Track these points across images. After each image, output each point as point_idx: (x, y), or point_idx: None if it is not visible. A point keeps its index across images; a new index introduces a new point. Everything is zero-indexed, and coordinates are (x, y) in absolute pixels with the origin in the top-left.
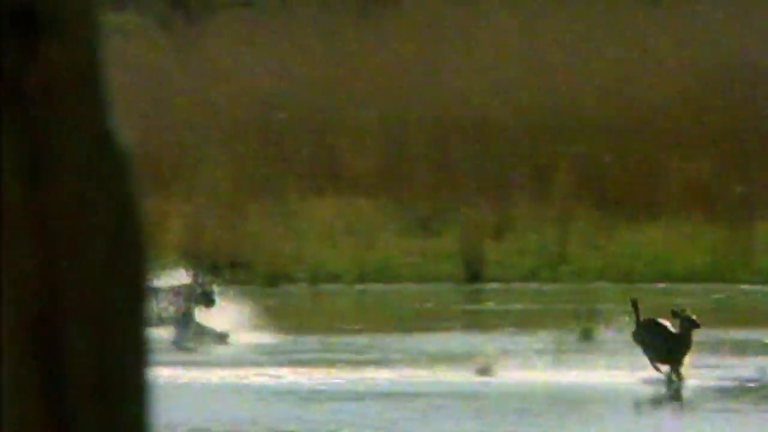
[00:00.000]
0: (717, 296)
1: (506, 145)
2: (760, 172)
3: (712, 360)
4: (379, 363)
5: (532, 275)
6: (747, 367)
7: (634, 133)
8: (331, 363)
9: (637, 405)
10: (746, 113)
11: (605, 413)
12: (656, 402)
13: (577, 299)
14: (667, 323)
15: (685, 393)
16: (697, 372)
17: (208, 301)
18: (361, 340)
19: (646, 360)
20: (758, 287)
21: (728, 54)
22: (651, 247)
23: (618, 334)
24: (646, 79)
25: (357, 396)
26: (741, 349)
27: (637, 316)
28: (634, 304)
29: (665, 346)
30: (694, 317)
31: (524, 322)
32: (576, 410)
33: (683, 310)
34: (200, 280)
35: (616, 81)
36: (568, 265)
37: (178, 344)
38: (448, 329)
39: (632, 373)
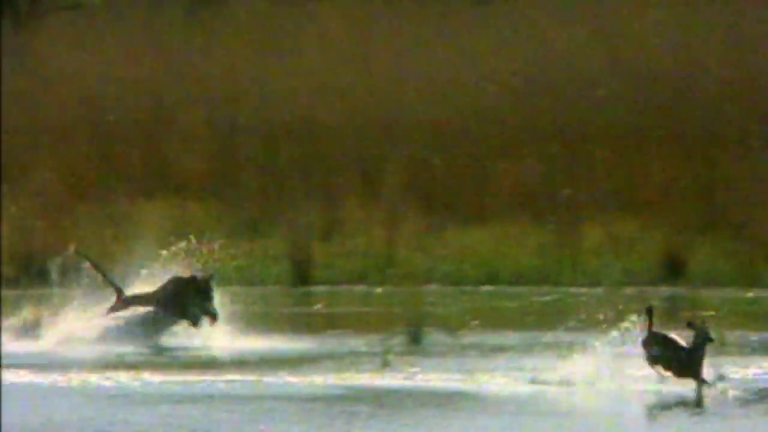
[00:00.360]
0: (544, 299)
1: (334, 147)
2: (586, 174)
3: (532, 362)
4: (206, 366)
5: (359, 278)
6: (573, 369)
7: (462, 135)
8: (160, 366)
9: (466, 408)
10: (573, 115)
11: (433, 417)
12: (485, 404)
13: (405, 302)
14: (676, 338)
15: (516, 395)
16: (521, 374)
17: (206, 297)
18: (190, 342)
19: (475, 363)
20: (585, 289)
21: (554, 56)
22: (478, 249)
23: (447, 337)
24: (474, 82)
25: (185, 399)
26: (566, 350)
27: (650, 325)
28: (649, 312)
29: (676, 361)
30: (709, 331)
31: (352, 325)
32: (405, 414)
33: (703, 321)
34: (197, 277)
35: (444, 83)
36: (395, 267)
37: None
38: (276, 332)
39: (462, 376)
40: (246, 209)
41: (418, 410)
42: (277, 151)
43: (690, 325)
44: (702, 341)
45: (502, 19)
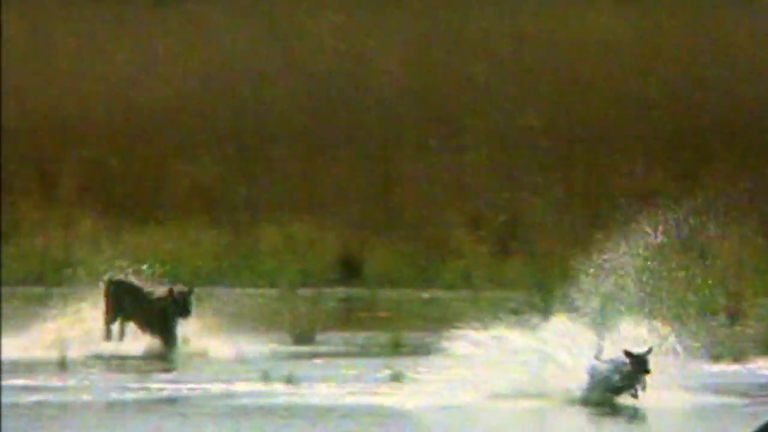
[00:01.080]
0: (220, 299)
1: (10, 148)
2: (263, 175)
3: (218, 367)
4: None
5: (37, 279)
6: (253, 374)
7: (140, 136)
8: None
9: (169, 410)
10: (249, 116)
11: (113, 419)
12: (200, 410)
13: (83, 302)
14: (623, 359)
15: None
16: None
17: (183, 311)
18: None
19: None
20: (262, 290)
21: (231, 57)
22: (155, 250)
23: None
24: (150, 82)
25: None
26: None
27: (599, 349)
28: (599, 353)
29: (621, 384)
30: (647, 359)
31: (30, 327)
32: (89, 415)
33: (649, 351)
34: (175, 292)
35: (121, 84)
36: (72, 268)
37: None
38: None
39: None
40: None
41: (101, 414)
42: None
43: (628, 354)
44: (640, 371)
45: (181, 20)
